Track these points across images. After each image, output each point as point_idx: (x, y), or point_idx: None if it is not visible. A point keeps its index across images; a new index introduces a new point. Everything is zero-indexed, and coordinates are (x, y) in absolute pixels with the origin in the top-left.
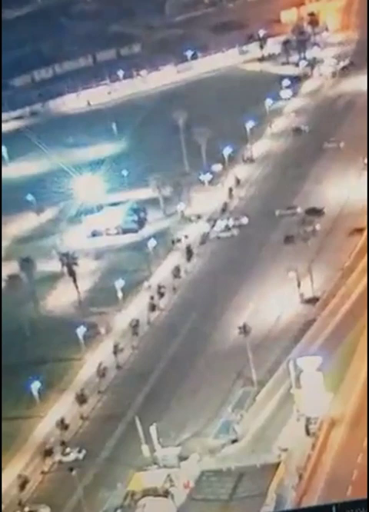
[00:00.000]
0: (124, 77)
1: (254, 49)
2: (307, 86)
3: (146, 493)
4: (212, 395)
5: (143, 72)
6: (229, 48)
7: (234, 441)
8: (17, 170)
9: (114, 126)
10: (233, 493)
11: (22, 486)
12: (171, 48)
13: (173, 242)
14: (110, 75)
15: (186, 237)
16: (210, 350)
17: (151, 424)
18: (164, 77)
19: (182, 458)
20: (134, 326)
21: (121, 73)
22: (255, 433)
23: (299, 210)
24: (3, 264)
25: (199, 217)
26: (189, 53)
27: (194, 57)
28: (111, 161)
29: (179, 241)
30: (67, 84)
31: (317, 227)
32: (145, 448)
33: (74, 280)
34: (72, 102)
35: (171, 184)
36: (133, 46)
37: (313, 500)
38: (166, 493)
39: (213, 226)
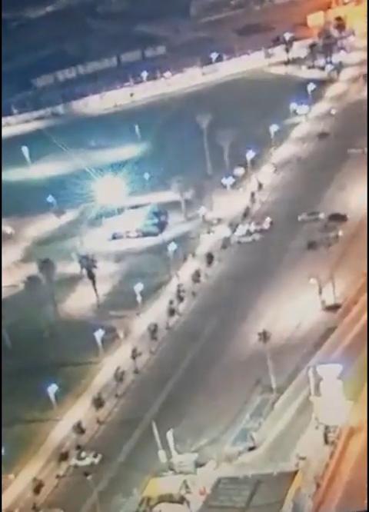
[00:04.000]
0: (148, 78)
1: (279, 52)
2: (332, 90)
3: (162, 499)
4: (230, 402)
5: (167, 74)
6: (254, 51)
7: (252, 449)
8: (38, 171)
9: (136, 128)
10: (249, 500)
11: (37, 489)
12: (196, 50)
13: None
14: (134, 77)
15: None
16: (229, 356)
17: (168, 430)
18: (189, 79)
19: (199, 464)
20: (153, 330)
21: (145, 74)
22: (273, 441)
23: (322, 215)
24: (23, 265)
25: (220, 221)
26: (214, 55)
27: (219, 59)
28: (133, 164)
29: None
30: (90, 85)
31: (340, 233)
32: (162, 454)
33: (94, 283)
34: (95, 103)
35: (193, 188)
36: (158, 47)
37: (330, 510)
38: (182, 500)
39: (234, 231)
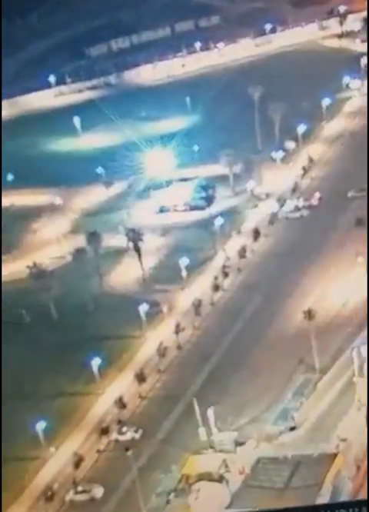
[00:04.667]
0: (201, 49)
1: (333, 25)
2: None
3: (201, 477)
4: (272, 380)
5: (220, 45)
6: (308, 23)
7: (293, 429)
8: (88, 142)
9: (187, 99)
10: (289, 481)
11: (77, 464)
12: (250, 21)
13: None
14: (187, 47)
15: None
16: (273, 334)
17: (209, 407)
18: (242, 50)
19: (239, 443)
20: (197, 306)
21: (198, 45)
22: (314, 422)
23: None
24: (71, 236)
25: (268, 196)
26: (268, 27)
27: (272, 30)
28: (183, 136)
29: None
30: (143, 54)
31: None
32: (202, 431)
33: (139, 257)
34: (147, 73)
35: (242, 161)
36: (212, 18)
37: None
38: (221, 479)
39: (282, 206)
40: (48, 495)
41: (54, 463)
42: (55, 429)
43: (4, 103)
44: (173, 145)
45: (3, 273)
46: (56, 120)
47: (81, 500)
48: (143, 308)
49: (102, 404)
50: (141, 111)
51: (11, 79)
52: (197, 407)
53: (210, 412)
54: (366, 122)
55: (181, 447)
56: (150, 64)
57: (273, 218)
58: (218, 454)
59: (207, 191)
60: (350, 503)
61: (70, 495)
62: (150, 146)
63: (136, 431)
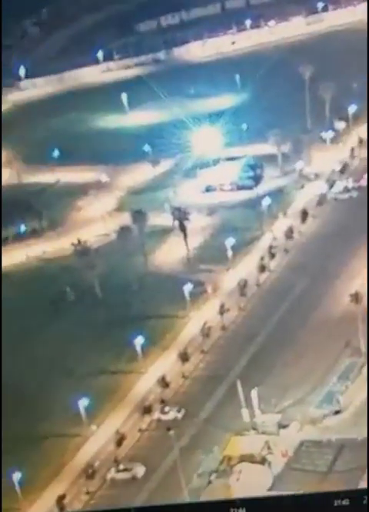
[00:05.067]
0: (252, 26)
1: None
2: None
3: (243, 458)
4: (318, 363)
5: (271, 22)
6: (360, 2)
7: (337, 412)
8: (136, 119)
9: (237, 77)
10: (332, 465)
11: (119, 442)
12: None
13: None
14: (237, 24)
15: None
16: (319, 316)
17: (253, 388)
18: (293, 28)
19: (282, 426)
20: (243, 286)
21: (248, 22)
22: (359, 406)
23: None
24: (116, 214)
25: (317, 176)
26: (320, 5)
27: (324, 9)
28: (231, 114)
29: None
30: (192, 31)
31: None
32: (245, 412)
33: (185, 236)
34: (197, 50)
35: (291, 141)
36: None
37: None
38: (263, 461)
39: (331, 187)
40: (89, 473)
41: (96, 441)
42: (97, 407)
43: (52, 78)
44: (221, 123)
45: (48, 249)
46: (103, 96)
47: (122, 479)
48: (187, 288)
49: (145, 383)
50: (190, 89)
51: (59, 54)
52: (240, 388)
53: (253, 393)
54: None
55: (223, 428)
56: (199, 41)
57: (321, 199)
58: (261, 436)
59: (255, 170)
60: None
61: (111, 473)
62: (198, 124)
63: (178, 411)
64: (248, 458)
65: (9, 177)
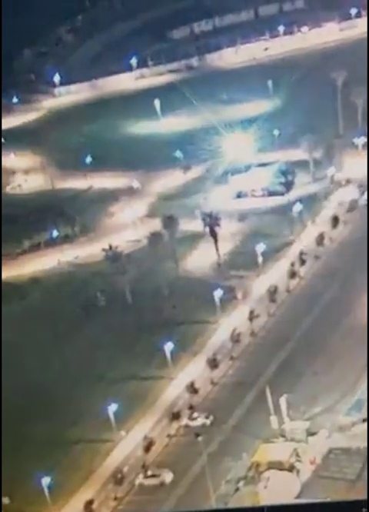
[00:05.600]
0: (285, 33)
1: None
2: None
3: (271, 465)
4: (347, 371)
5: (304, 29)
6: None
7: (366, 420)
8: (168, 125)
9: (269, 83)
10: (360, 473)
11: (147, 448)
12: (335, 5)
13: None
14: (270, 30)
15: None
16: (349, 323)
17: (282, 395)
18: (326, 34)
19: (311, 433)
20: (273, 292)
21: (281, 29)
22: None
23: None
24: (147, 220)
25: (349, 182)
26: (353, 11)
27: (357, 15)
28: (264, 120)
29: None
30: (226, 38)
31: None
32: (274, 419)
33: (216, 242)
34: (230, 57)
35: (323, 147)
36: (296, 1)
37: None
38: (291, 468)
39: (363, 193)
40: (118, 478)
41: (125, 447)
42: (126, 412)
43: (86, 85)
44: (253, 129)
45: (79, 254)
46: (136, 103)
47: (151, 485)
48: (218, 294)
49: (174, 389)
50: (222, 95)
51: (93, 61)
52: (269, 395)
53: (282, 400)
54: None
55: (252, 435)
56: (232, 48)
57: (353, 205)
58: (289, 443)
59: (287, 176)
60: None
61: (139, 479)
62: (230, 130)
63: (207, 417)
64: (276, 465)
65: (42, 183)
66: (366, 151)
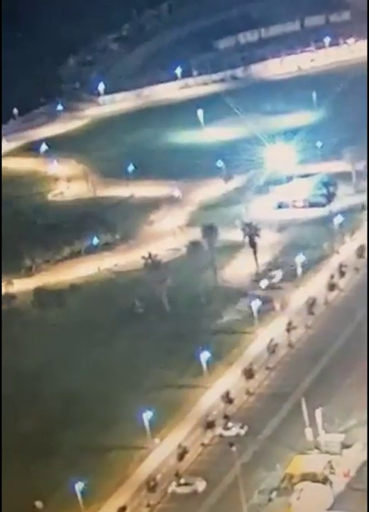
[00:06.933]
0: (331, 44)
1: None
2: None
3: (304, 477)
4: None
5: (350, 41)
6: None
7: None
8: (210, 135)
9: (314, 95)
10: None
11: (181, 456)
12: None
13: None
14: (316, 42)
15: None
16: None
17: (317, 408)
18: None
19: (345, 446)
20: (311, 304)
21: (327, 40)
22: None
23: None
24: (187, 229)
25: None
26: None
27: None
28: (307, 131)
29: None
30: (271, 48)
31: None
32: (309, 431)
33: (255, 252)
34: (275, 67)
35: (366, 159)
36: (343, 13)
37: None
38: (325, 480)
39: None
40: (151, 485)
41: (159, 454)
42: (161, 420)
43: (130, 94)
44: (296, 140)
45: (119, 262)
46: (180, 112)
47: (183, 493)
48: (255, 304)
49: (209, 398)
50: (266, 105)
51: (138, 70)
52: (305, 407)
53: (318, 412)
54: None
55: (286, 446)
56: (277, 58)
57: None
58: (324, 455)
59: (329, 187)
60: None
61: (172, 487)
62: (272, 140)
63: (242, 427)
64: (310, 477)
65: (85, 190)
66: None
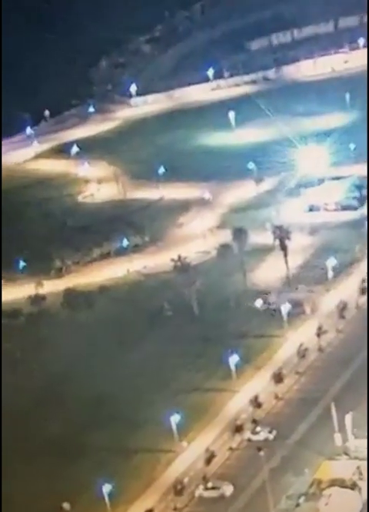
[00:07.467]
0: (364, 46)
1: None
2: None
3: (333, 483)
4: None
5: None
6: None
7: None
8: (242, 136)
9: (347, 96)
10: None
11: (209, 460)
12: None
13: None
14: (350, 43)
15: None
16: None
17: (347, 413)
18: None
19: None
20: (342, 308)
21: (361, 41)
22: None
23: None
24: (217, 231)
25: None
26: None
27: None
28: (340, 133)
29: None
30: (304, 49)
31: None
32: (338, 437)
33: (285, 255)
34: (308, 69)
35: None
36: None
37: None
38: (353, 486)
39: None
40: (178, 489)
41: (186, 458)
42: (189, 423)
43: (161, 95)
44: (329, 142)
45: (148, 264)
46: (211, 114)
47: (210, 497)
48: (285, 308)
49: (237, 402)
50: (299, 107)
51: (170, 71)
52: (334, 412)
53: (347, 418)
54: None
55: (315, 451)
56: (310, 60)
57: None
58: (353, 461)
59: (361, 190)
60: None
61: (199, 491)
62: (304, 142)
63: (270, 432)
64: (339, 483)
65: (115, 192)
66: None
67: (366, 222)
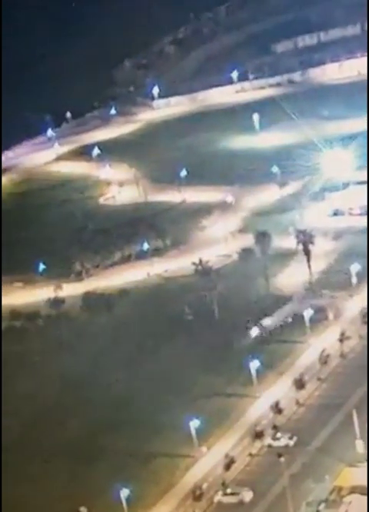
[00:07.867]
0: None
1: None
2: None
3: (354, 490)
4: None
5: None
6: None
7: None
8: (266, 140)
9: None
10: None
11: (228, 466)
12: None
13: None
14: None
15: None
16: None
17: None
18: None
19: None
20: (365, 314)
21: None
22: None
23: None
24: (240, 235)
25: None
26: None
27: None
28: (365, 137)
29: None
30: (330, 52)
31: None
32: (359, 443)
33: (309, 260)
34: (333, 72)
35: None
36: None
37: None
38: None
39: None
40: (197, 494)
41: (205, 463)
42: (208, 428)
43: (184, 98)
44: (354, 146)
45: (169, 267)
46: (235, 117)
47: (229, 503)
48: (308, 313)
49: (258, 408)
50: (324, 110)
51: (194, 74)
52: (356, 419)
53: None
54: None
55: (336, 458)
56: (336, 63)
57: None
58: None
59: None
60: None
61: (218, 496)
62: (329, 146)
63: (291, 438)
64: (359, 490)
65: (136, 195)
66: None
67: None
